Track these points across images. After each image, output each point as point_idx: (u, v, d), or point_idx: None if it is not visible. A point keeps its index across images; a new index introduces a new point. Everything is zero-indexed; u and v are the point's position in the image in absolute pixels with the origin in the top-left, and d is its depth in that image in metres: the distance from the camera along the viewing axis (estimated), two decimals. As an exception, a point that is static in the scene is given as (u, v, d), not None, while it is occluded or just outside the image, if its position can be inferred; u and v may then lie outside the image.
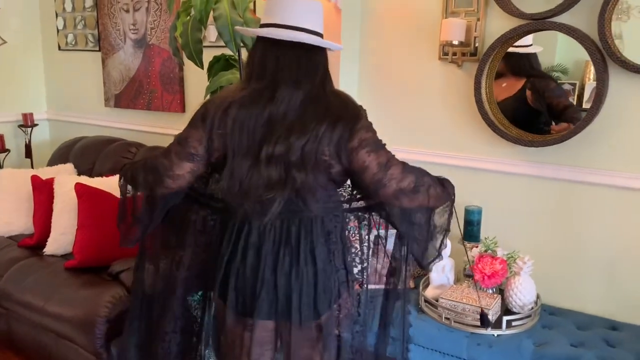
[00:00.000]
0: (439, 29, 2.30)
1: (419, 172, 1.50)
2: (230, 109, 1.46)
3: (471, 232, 2.29)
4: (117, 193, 2.79)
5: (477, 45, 2.27)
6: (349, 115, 1.45)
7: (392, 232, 2.40)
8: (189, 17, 2.24)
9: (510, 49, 2.20)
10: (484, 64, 2.23)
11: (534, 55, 2.25)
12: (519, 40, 2.19)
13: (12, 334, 2.63)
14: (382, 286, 2.34)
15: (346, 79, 2.55)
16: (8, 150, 3.77)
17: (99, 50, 3.61)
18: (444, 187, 1.57)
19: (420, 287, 2.27)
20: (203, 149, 1.49)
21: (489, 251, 2.17)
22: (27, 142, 3.89)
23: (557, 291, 2.23)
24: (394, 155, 1.49)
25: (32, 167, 3.86)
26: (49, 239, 2.81)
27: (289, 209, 1.47)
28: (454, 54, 2.32)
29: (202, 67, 2.26)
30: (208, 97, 2.32)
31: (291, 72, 1.44)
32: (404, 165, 1.48)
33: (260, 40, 1.48)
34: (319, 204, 1.49)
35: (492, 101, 2.29)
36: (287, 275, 1.49)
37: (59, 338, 2.39)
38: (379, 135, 1.49)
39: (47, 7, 3.89)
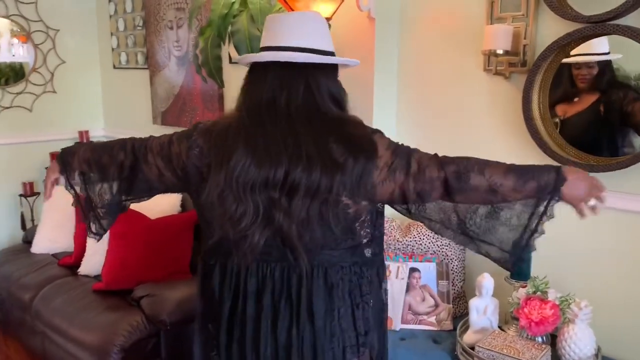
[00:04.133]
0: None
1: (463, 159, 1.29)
2: (214, 129, 1.33)
3: (519, 268, 1.99)
4: (150, 214, 2.76)
5: (526, 54, 1.98)
6: (362, 153, 1.25)
7: (427, 265, 2.18)
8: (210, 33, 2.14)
9: (580, 58, 1.89)
10: (534, 75, 1.93)
11: (609, 63, 1.91)
12: (592, 47, 1.87)
13: (45, 353, 2.63)
14: (418, 326, 2.10)
15: (381, 93, 2.34)
16: (63, 167, 3.86)
17: (148, 68, 3.62)
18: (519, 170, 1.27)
19: (458, 331, 1.99)
20: (180, 165, 1.36)
21: (539, 293, 1.87)
22: (83, 159, 3.97)
23: (622, 343, 1.87)
24: (422, 155, 1.29)
25: (87, 184, 3.93)
26: (83, 259, 2.81)
27: (286, 256, 1.30)
28: (500, 64, 2.04)
29: (222, 85, 2.15)
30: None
31: (284, 95, 1.29)
32: (438, 159, 1.28)
33: (253, 65, 1.37)
34: (315, 255, 1.29)
35: (545, 118, 1.98)
36: (287, 330, 1.31)
37: (81, 363, 2.35)
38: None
39: (103, 27, 3.98)
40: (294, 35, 1.30)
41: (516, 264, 1.35)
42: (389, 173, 1.26)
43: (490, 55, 2.02)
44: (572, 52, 1.89)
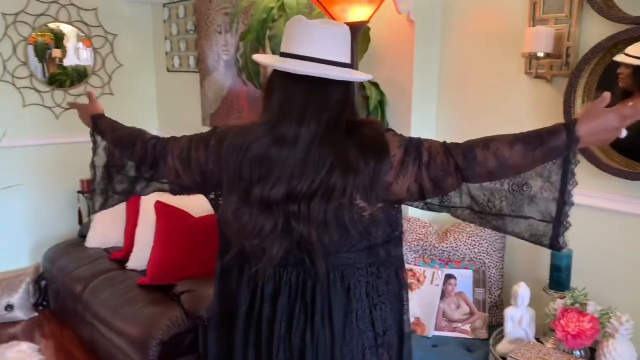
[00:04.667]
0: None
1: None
2: (227, 135, 1.34)
3: (558, 279, 1.92)
4: (195, 212, 2.84)
5: (569, 56, 1.91)
6: (374, 153, 1.25)
7: (464, 271, 2.13)
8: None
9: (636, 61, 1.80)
10: (577, 79, 1.86)
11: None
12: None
13: (94, 342, 2.76)
14: (451, 333, 2.07)
15: (421, 96, 2.31)
16: (118, 166, 4.04)
17: (198, 72, 3.73)
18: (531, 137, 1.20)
19: (492, 340, 1.95)
20: (198, 170, 1.39)
21: (577, 305, 1.80)
22: (137, 158, 4.15)
23: (668, 362, 1.77)
24: (431, 143, 1.26)
25: (141, 182, 4.10)
26: (131, 254, 2.93)
27: (303, 260, 1.30)
28: (541, 67, 1.98)
29: (260, 88, 2.20)
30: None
31: (296, 107, 1.26)
32: (446, 144, 1.26)
33: (274, 70, 1.33)
34: (331, 258, 1.29)
35: (590, 123, 1.90)
36: (302, 334, 1.32)
37: (124, 354, 2.45)
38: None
39: (158, 31, 4.14)
40: (318, 46, 1.26)
41: (556, 236, 1.24)
42: (402, 168, 1.25)
43: (530, 57, 1.97)
44: (630, 53, 1.81)
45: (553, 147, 1.17)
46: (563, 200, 1.21)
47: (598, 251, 1.95)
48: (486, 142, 1.22)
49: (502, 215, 1.26)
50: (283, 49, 1.30)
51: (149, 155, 1.47)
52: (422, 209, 1.34)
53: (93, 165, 1.60)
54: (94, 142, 1.60)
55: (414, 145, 1.26)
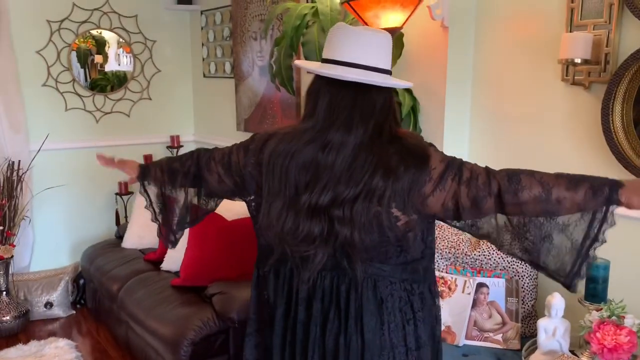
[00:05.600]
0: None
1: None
2: (270, 141, 1.36)
3: (594, 290, 1.87)
4: (227, 215, 2.89)
5: (608, 63, 1.87)
6: (415, 162, 1.25)
7: (496, 280, 2.10)
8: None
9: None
10: (615, 86, 1.82)
11: None
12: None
13: (129, 341, 2.83)
14: (483, 343, 2.04)
15: (454, 102, 2.30)
16: (155, 169, 4.13)
17: (233, 77, 3.79)
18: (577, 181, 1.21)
19: (524, 352, 1.91)
20: (238, 173, 1.43)
21: (614, 317, 1.75)
22: (173, 162, 4.23)
23: None
24: (473, 165, 1.28)
25: (176, 185, 4.18)
26: (166, 256, 2.98)
27: (337, 265, 1.32)
28: (579, 73, 1.94)
29: (293, 93, 2.22)
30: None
31: (343, 113, 1.27)
32: (488, 169, 1.27)
33: (316, 75, 1.35)
34: (367, 266, 1.30)
35: (629, 131, 1.86)
36: (335, 338, 1.34)
37: (157, 353, 2.50)
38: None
39: (195, 37, 4.23)
40: (361, 52, 1.27)
41: (574, 279, 1.26)
42: (441, 182, 1.25)
43: (568, 64, 1.93)
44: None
45: (597, 185, 1.18)
46: (587, 246, 1.23)
47: (636, 263, 1.89)
48: (531, 171, 1.24)
49: (526, 248, 1.28)
50: (325, 55, 1.31)
51: (193, 164, 1.52)
52: (457, 227, 1.34)
53: (152, 209, 1.66)
54: (144, 185, 1.64)
55: (457, 164, 1.27)
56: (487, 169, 1.27)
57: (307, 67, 1.38)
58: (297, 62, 1.45)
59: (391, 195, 1.23)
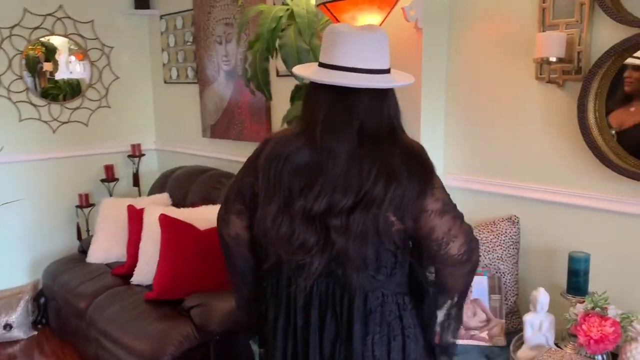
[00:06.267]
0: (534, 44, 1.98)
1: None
2: (267, 145, 1.34)
3: (576, 283, 1.91)
4: (200, 224, 2.80)
5: (581, 61, 1.92)
6: (419, 171, 1.26)
7: (479, 278, 2.12)
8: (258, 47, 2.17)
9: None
10: (590, 83, 1.87)
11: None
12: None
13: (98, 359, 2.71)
14: (469, 341, 2.05)
15: (429, 103, 2.31)
16: (117, 179, 3.99)
17: (197, 83, 3.71)
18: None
19: (512, 347, 1.93)
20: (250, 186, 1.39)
21: (598, 309, 1.79)
22: (135, 171, 4.10)
23: (691, 365, 1.76)
24: (461, 219, 1.34)
25: (139, 196, 4.05)
26: (136, 269, 2.87)
27: (332, 272, 1.31)
28: (553, 72, 1.98)
29: (269, 98, 2.18)
30: (285, 126, 2.23)
31: (335, 117, 1.25)
32: (467, 231, 1.34)
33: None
34: (362, 275, 1.29)
35: (603, 127, 1.91)
36: (332, 344, 1.32)
37: (133, 371, 2.40)
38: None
39: (155, 43, 4.11)
40: (357, 55, 1.24)
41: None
42: (441, 211, 1.28)
43: (542, 63, 1.97)
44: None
45: None
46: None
47: (615, 255, 1.94)
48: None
49: None
50: (322, 59, 1.30)
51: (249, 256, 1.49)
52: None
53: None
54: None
55: (456, 211, 1.33)
56: (465, 232, 1.33)
57: (296, 72, 1.37)
58: (294, 69, 1.40)
59: (391, 200, 1.21)
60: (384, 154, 1.24)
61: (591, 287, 1.89)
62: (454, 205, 1.33)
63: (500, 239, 2.15)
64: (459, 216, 1.33)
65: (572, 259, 1.91)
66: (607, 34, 1.85)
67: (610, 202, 1.92)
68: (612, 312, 1.78)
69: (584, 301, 1.85)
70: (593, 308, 1.79)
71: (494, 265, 2.14)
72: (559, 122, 2.02)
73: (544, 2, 1.98)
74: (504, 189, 2.20)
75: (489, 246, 2.15)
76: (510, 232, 2.15)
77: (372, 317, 1.31)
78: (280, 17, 2.04)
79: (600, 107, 1.90)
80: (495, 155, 2.23)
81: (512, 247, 2.15)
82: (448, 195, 1.32)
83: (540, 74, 2.04)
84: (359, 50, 1.25)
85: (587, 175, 1.97)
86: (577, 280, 1.91)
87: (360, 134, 1.25)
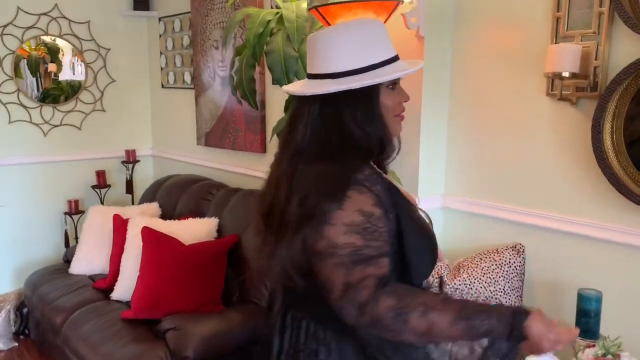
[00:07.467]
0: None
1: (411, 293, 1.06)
2: None
3: (586, 325, 1.72)
4: (186, 239, 2.64)
5: (597, 77, 1.73)
6: (325, 190, 1.08)
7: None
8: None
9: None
10: (607, 102, 1.68)
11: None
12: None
13: (74, 380, 2.54)
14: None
15: (430, 117, 2.13)
16: (109, 186, 3.84)
17: (193, 88, 3.56)
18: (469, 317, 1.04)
19: (512, 392, 1.73)
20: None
21: (609, 356, 1.59)
22: (128, 178, 3.95)
23: None
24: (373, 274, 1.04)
25: (132, 204, 3.90)
26: (117, 284, 2.71)
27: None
28: (566, 88, 1.80)
29: (255, 107, 2.02)
30: (275, 138, 2.07)
31: (285, 133, 1.23)
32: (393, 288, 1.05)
33: None
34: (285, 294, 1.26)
35: (620, 151, 1.72)
36: None
37: (104, 396, 2.23)
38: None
39: (153, 45, 3.97)
40: (320, 59, 1.19)
41: None
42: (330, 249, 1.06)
43: (554, 78, 1.78)
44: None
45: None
46: None
47: (630, 294, 1.74)
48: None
49: None
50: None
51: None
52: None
53: None
54: None
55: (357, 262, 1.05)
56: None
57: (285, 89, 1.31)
58: (284, 87, 1.31)
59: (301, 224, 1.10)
60: (305, 172, 1.14)
61: (602, 329, 1.70)
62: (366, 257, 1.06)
63: (503, 269, 1.96)
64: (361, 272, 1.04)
65: (582, 298, 1.72)
66: (627, 48, 1.66)
67: (626, 234, 1.72)
68: (626, 359, 1.58)
69: (594, 345, 1.66)
70: (604, 354, 1.60)
71: (496, 298, 1.94)
72: (571, 144, 1.84)
73: (558, 11, 1.80)
74: (509, 215, 2.01)
75: (490, 277, 1.96)
76: (514, 262, 1.97)
77: (285, 337, 1.26)
78: (269, 21, 1.88)
79: (618, 128, 1.71)
80: (501, 176, 2.05)
81: (516, 278, 1.96)
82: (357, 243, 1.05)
83: (552, 90, 1.85)
84: (310, 54, 1.22)
85: (601, 203, 1.77)
86: (587, 321, 1.71)
87: (289, 148, 1.20)
